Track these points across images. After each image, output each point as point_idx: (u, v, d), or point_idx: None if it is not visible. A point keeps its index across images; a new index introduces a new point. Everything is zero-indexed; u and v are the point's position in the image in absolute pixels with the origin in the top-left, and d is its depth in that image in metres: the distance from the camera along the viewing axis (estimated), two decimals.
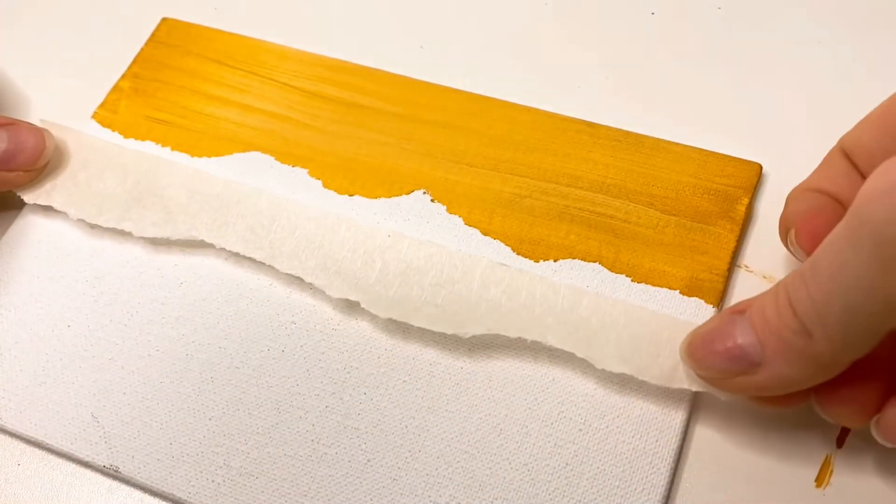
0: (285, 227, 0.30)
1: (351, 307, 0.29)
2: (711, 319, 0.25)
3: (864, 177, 0.24)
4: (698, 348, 0.24)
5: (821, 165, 0.27)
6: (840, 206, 0.25)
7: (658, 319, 0.27)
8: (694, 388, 0.25)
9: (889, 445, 0.23)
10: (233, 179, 0.31)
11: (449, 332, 0.27)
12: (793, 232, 0.26)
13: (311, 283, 0.29)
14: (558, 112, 0.33)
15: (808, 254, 0.25)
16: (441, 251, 0.29)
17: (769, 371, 0.22)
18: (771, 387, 0.23)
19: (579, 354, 0.26)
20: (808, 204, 0.26)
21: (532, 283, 0.28)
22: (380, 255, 0.29)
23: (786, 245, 0.27)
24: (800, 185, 0.27)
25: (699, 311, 0.28)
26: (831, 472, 0.26)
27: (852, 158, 0.26)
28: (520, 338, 0.27)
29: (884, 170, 0.20)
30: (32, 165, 0.31)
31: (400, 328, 0.28)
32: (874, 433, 0.23)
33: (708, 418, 0.27)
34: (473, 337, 0.28)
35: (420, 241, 0.29)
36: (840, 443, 0.26)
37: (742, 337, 0.23)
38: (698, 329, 0.25)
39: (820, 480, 0.26)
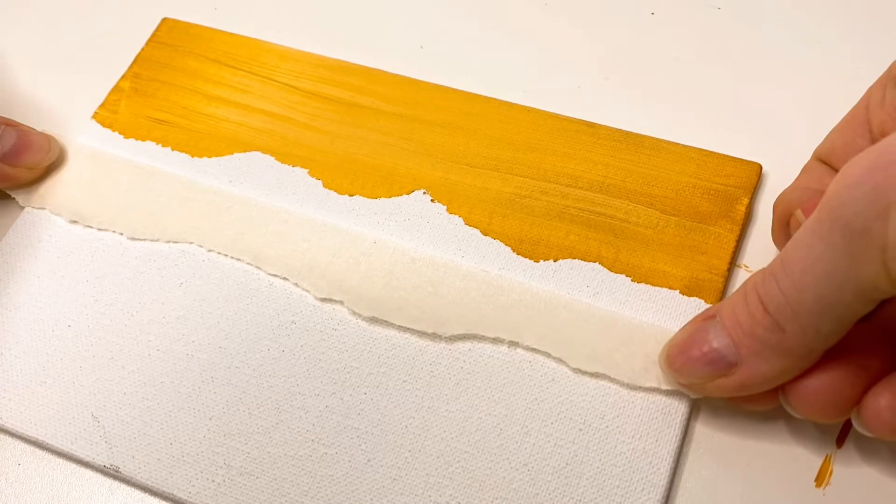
0: (273, 233, 0.30)
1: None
2: (684, 328, 0.25)
3: None
4: (676, 358, 0.25)
5: (800, 175, 0.27)
6: None
7: (630, 323, 0.27)
8: (664, 387, 0.26)
9: (870, 435, 0.23)
10: (228, 186, 0.32)
11: (429, 330, 0.28)
12: (799, 212, 0.26)
13: (296, 284, 0.29)
14: (558, 112, 0.33)
15: None
16: (424, 257, 0.29)
17: (746, 370, 0.23)
18: (749, 385, 0.23)
19: (554, 354, 0.27)
20: (804, 192, 0.26)
21: (511, 287, 0.28)
22: (365, 259, 0.29)
23: (778, 239, 0.28)
24: (785, 190, 0.27)
25: (699, 311, 0.28)
26: (831, 472, 0.26)
27: (829, 164, 0.26)
28: (497, 338, 0.28)
29: (850, 165, 0.20)
30: (37, 164, 0.32)
31: (400, 328, 0.28)
32: (857, 426, 0.23)
33: (708, 418, 0.27)
34: (474, 338, 0.28)
35: (404, 248, 0.29)
36: (840, 442, 0.26)
37: (716, 340, 0.23)
38: (673, 339, 0.25)
39: (820, 480, 0.26)
